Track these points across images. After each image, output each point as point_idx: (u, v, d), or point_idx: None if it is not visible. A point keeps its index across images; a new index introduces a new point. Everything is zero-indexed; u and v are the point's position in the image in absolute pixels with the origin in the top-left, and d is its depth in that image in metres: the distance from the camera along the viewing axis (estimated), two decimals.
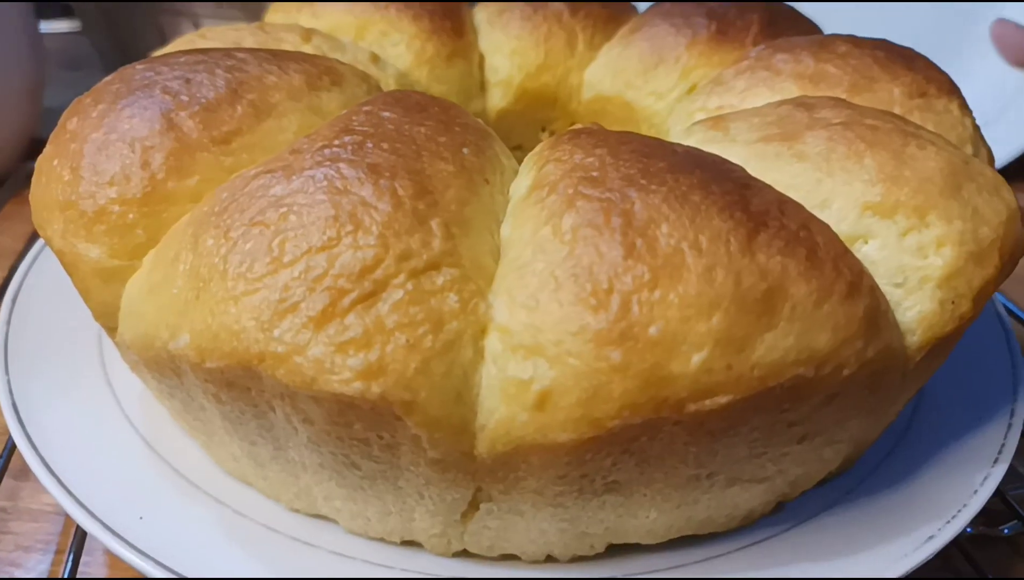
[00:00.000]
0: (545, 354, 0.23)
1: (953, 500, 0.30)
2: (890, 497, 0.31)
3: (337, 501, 0.28)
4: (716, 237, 0.24)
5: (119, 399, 0.34)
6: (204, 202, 0.28)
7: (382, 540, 0.29)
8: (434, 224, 0.25)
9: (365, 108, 0.30)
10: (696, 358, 0.22)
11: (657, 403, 0.23)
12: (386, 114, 0.29)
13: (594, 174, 0.26)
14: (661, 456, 0.25)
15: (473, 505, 0.26)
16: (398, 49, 0.44)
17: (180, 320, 0.25)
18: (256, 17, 0.41)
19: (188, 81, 0.31)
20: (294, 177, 0.26)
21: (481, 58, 0.47)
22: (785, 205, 0.26)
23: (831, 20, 0.50)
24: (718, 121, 0.33)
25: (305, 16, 0.46)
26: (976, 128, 0.35)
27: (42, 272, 0.41)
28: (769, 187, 0.27)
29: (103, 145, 0.29)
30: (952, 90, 0.37)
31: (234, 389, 0.25)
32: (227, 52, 0.34)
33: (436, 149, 0.28)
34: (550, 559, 0.29)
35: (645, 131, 0.39)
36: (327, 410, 0.24)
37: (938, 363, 0.30)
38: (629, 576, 0.28)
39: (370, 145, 0.27)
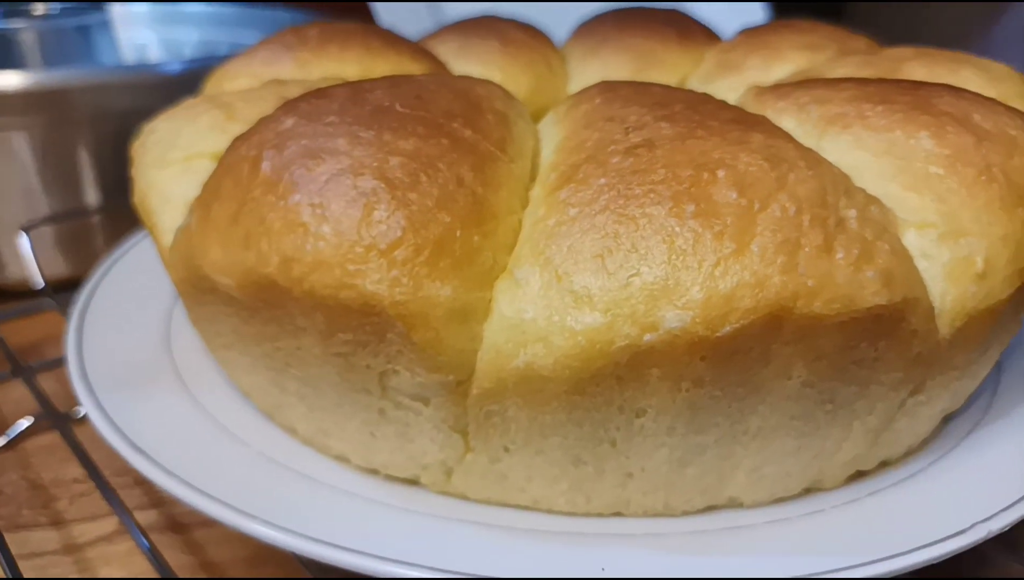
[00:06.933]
0: (971, 232, 0.26)
1: None
2: None
3: (769, 466, 0.27)
4: (1010, 115, 0.29)
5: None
6: (568, 199, 0.25)
7: (778, 500, 0.29)
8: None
9: (622, 91, 0.30)
10: None
11: None
12: (656, 89, 0.29)
13: (876, 98, 0.30)
14: (1016, 310, 0.29)
15: (902, 406, 0.28)
16: None
17: (659, 303, 0.23)
18: None
19: (419, 97, 0.28)
20: (680, 142, 0.25)
21: None
22: None
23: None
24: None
25: (288, 69, 0.41)
26: None
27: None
28: None
29: (397, 170, 0.25)
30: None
31: (734, 358, 0.23)
32: (397, 76, 0.30)
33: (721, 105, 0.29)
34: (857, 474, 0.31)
35: None
36: (848, 334, 0.24)
37: None
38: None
39: (687, 108, 0.27)
